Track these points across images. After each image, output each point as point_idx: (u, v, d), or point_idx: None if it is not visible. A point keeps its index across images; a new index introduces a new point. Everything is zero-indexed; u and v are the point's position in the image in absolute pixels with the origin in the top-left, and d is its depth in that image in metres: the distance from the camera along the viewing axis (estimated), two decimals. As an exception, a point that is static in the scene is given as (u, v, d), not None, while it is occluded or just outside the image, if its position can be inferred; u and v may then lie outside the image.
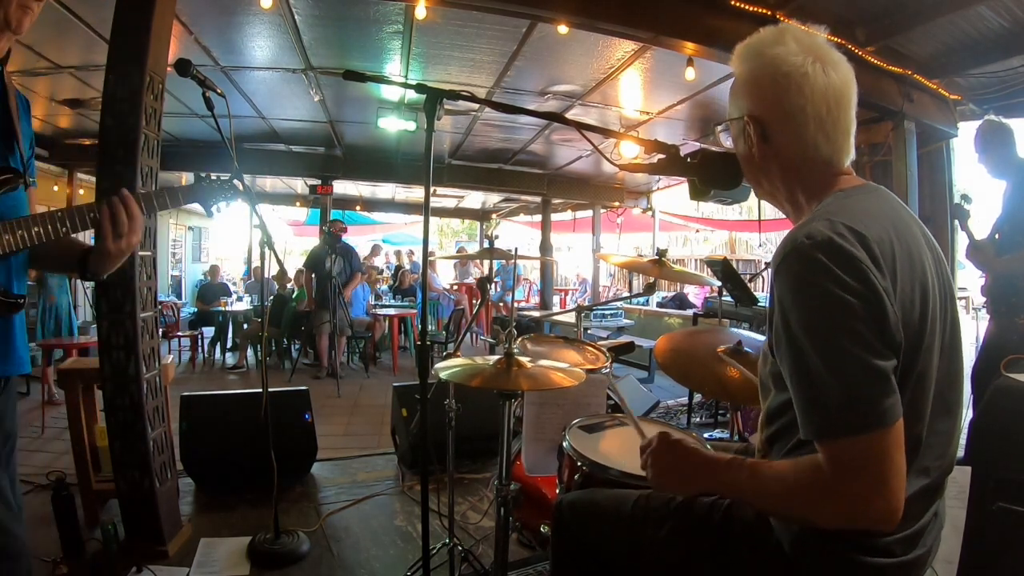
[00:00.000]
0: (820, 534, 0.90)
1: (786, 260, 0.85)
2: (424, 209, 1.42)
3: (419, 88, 1.31)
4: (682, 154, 1.24)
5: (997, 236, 2.71)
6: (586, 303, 7.12)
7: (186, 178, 9.24)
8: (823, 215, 0.89)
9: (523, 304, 10.64)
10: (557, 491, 1.57)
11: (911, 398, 0.86)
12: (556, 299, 11.20)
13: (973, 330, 3.94)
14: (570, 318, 4.69)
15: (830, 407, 0.79)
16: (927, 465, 0.92)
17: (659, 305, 8.39)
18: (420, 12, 3.10)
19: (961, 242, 2.94)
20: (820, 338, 0.81)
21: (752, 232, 11.76)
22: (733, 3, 3.28)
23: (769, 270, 0.92)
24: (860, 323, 0.80)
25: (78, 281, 5.38)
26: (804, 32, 0.98)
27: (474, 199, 11.37)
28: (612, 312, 6.61)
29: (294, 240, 16.21)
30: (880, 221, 0.89)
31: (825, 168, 0.98)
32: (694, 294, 9.07)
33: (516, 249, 2.45)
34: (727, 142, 1.09)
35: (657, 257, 2.31)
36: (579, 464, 1.42)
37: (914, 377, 0.87)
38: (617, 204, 9.76)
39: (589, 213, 10.19)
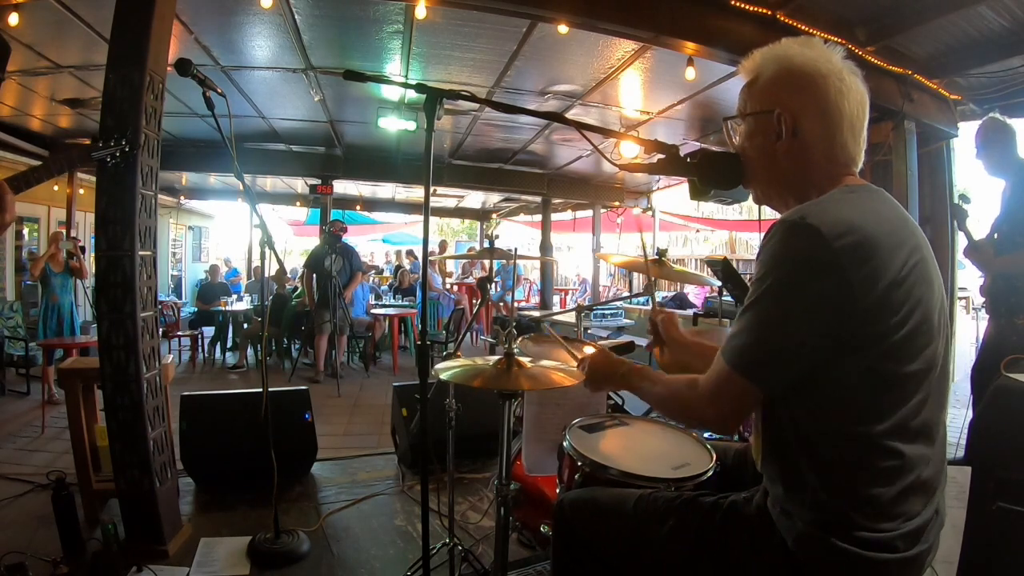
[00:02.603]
0: (823, 530, 0.91)
1: (776, 231, 0.92)
2: (424, 209, 1.42)
3: (419, 88, 1.31)
4: (682, 154, 1.24)
5: (996, 235, 2.71)
6: (586, 303, 7.11)
7: (186, 177, 9.26)
8: (821, 202, 0.95)
9: (523, 304, 10.64)
10: (557, 491, 1.58)
11: (902, 387, 0.90)
12: (556, 299, 11.20)
13: (973, 330, 3.94)
14: (570, 318, 4.69)
15: (740, 347, 0.94)
16: (921, 457, 0.93)
17: (659, 305, 8.38)
18: (420, 12, 3.10)
19: (960, 242, 2.93)
20: (768, 303, 0.91)
21: (752, 232, 11.75)
22: (733, 3, 3.28)
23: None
24: (805, 313, 0.89)
25: (78, 281, 5.38)
26: (826, 46, 1.03)
27: (474, 199, 11.37)
28: (612, 312, 6.60)
29: (294, 240, 16.22)
30: (873, 217, 0.92)
31: (840, 168, 1.02)
32: (694, 294, 9.07)
33: (516, 249, 2.45)
34: (735, 137, 1.11)
35: (657, 257, 2.31)
36: (579, 464, 1.42)
37: (904, 368, 0.90)
38: (617, 204, 9.75)
39: (589, 213, 10.18)
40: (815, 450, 0.93)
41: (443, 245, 12.07)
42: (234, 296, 7.93)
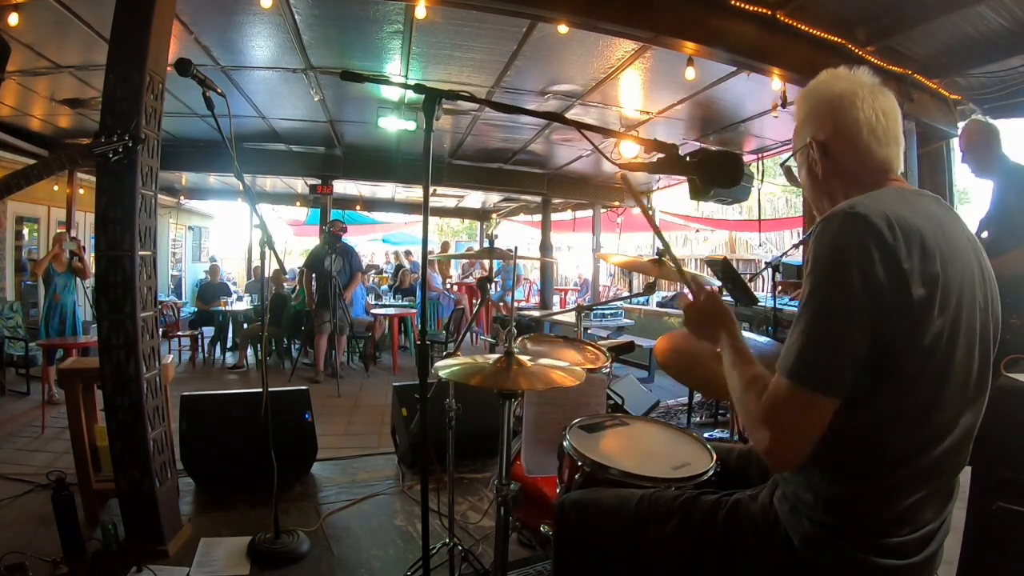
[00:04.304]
0: (833, 531, 0.91)
1: (828, 222, 0.91)
2: (424, 209, 1.42)
3: (418, 88, 1.31)
4: (681, 153, 1.24)
5: (985, 234, 2.74)
6: (586, 303, 7.11)
7: (186, 177, 9.26)
8: (870, 196, 0.96)
9: (523, 304, 10.64)
10: (557, 491, 1.58)
11: (939, 397, 0.90)
12: (556, 299, 11.20)
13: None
14: (570, 318, 4.69)
15: (796, 352, 0.89)
16: (945, 467, 0.93)
17: (659, 305, 8.39)
18: (420, 12, 3.10)
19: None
20: (819, 299, 0.89)
21: (752, 232, 11.76)
22: (733, 3, 3.28)
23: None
24: (858, 302, 0.85)
25: (79, 280, 5.39)
26: (851, 70, 1.10)
27: (474, 199, 11.37)
28: (612, 312, 6.61)
29: (294, 240, 16.21)
30: (923, 214, 0.93)
31: (880, 172, 1.05)
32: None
33: (516, 249, 2.44)
34: (800, 174, 1.18)
35: (657, 257, 2.31)
36: (580, 464, 1.42)
37: (942, 375, 0.90)
38: (617, 204, 9.75)
39: (589, 213, 10.18)
40: (838, 456, 0.91)
41: (445, 246, 12.07)
42: (233, 296, 7.92)
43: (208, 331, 7.13)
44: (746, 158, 6.38)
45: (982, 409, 0.99)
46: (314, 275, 6.11)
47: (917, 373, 0.88)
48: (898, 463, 0.89)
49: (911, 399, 0.88)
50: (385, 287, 9.78)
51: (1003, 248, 2.59)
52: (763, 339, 2.16)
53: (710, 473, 1.34)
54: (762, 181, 6.87)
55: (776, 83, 3.85)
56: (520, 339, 2.31)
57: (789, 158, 1.21)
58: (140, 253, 2.26)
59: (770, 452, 0.90)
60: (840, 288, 0.86)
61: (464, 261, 10.47)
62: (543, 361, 1.61)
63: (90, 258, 5.39)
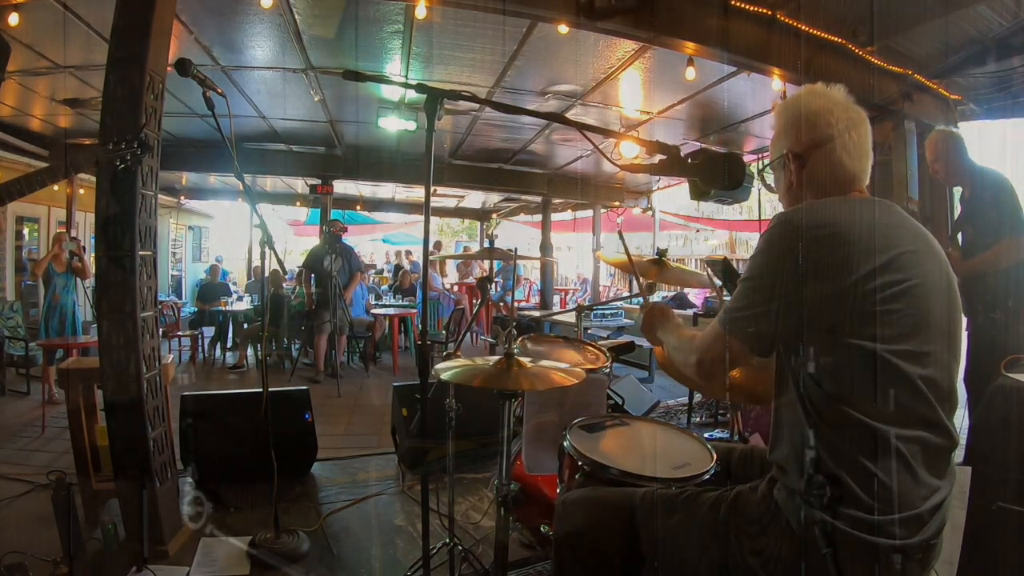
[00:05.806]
0: (826, 511, 0.95)
1: (771, 222, 1.10)
2: (424, 209, 1.43)
3: (420, 88, 1.31)
4: (682, 154, 1.24)
5: (960, 236, 2.83)
6: (586, 303, 7.11)
7: (186, 177, 9.25)
8: (812, 203, 1.11)
9: (523, 304, 10.64)
10: (557, 491, 1.58)
11: (892, 373, 0.96)
12: (556, 299, 11.19)
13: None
14: (570, 318, 4.69)
15: (727, 309, 1.13)
16: (923, 442, 0.97)
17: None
18: (420, 12, 3.10)
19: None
20: (749, 278, 1.10)
21: (752, 232, 11.75)
22: (733, 3, 3.28)
23: None
24: (776, 284, 1.04)
25: (79, 280, 5.38)
26: (827, 88, 1.21)
27: (474, 199, 11.37)
28: (612, 312, 6.61)
29: (294, 240, 16.21)
30: (858, 218, 1.05)
31: (848, 183, 1.16)
32: (694, 294, 9.05)
33: (516, 249, 2.44)
34: (775, 182, 1.29)
35: (657, 257, 2.31)
36: (580, 464, 1.42)
37: (893, 347, 0.97)
38: (617, 204, 9.75)
39: (589, 213, 10.18)
40: (818, 431, 0.98)
41: (438, 245, 12.07)
42: (233, 296, 7.91)
43: (208, 331, 7.12)
44: (746, 158, 6.34)
45: (954, 393, 1.05)
46: (313, 275, 6.11)
47: (871, 353, 0.96)
48: (871, 443, 0.95)
49: (872, 379, 0.96)
50: (385, 287, 9.78)
51: (979, 247, 2.68)
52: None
53: (710, 473, 1.34)
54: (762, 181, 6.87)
55: (776, 83, 3.85)
56: (520, 339, 2.30)
57: (766, 166, 1.31)
58: (140, 253, 2.26)
59: (697, 370, 1.19)
60: (765, 273, 1.07)
61: (460, 262, 10.46)
62: (543, 362, 1.61)
63: (90, 258, 5.39)
